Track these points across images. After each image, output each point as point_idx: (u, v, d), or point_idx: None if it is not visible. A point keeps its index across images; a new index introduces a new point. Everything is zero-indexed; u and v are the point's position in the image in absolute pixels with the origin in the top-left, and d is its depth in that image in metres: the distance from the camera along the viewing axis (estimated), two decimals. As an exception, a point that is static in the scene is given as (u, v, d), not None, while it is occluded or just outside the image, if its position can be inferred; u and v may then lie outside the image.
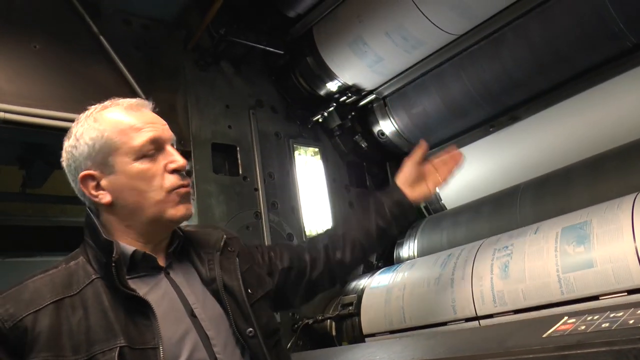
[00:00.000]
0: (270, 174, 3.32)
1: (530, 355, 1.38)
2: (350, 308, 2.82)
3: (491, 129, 3.12)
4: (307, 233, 3.33)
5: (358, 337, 2.74)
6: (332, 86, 3.41)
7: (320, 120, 3.54)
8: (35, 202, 4.67)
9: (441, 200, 3.38)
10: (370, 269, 3.21)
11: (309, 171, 3.53)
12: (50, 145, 3.30)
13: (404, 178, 2.05)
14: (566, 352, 1.30)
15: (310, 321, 2.99)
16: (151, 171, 1.50)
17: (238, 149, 3.25)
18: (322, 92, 3.48)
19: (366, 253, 2.02)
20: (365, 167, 3.81)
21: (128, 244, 1.51)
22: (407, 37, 2.94)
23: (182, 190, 1.52)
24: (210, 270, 1.58)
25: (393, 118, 3.45)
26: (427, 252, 2.95)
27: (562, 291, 1.90)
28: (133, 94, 2.87)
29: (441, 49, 3.05)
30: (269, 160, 3.36)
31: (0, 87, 2.54)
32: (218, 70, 3.34)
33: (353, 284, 3.03)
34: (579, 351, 1.27)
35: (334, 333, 2.92)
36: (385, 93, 3.45)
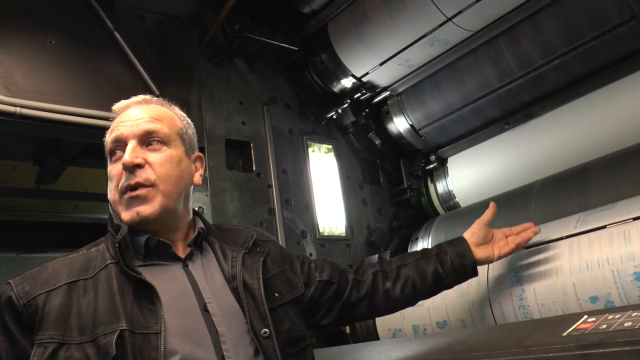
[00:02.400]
0: (283, 171, 3.32)
1: (551, 354, 1.36)
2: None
3: (506, 126, 3.09)
4: (321, 230, 3.32)
5: (373, 335, 2.72)
6: (347, 83, 3.39)
7: (334, 117, 3.53)
8: (48, 198, 4.69)
9: (455, 198, 3.35)
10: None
11: (323, 168, 3.52)
12: (64, 141, 3.31)
13: (471, 235, 1.97)
14: (588, 351, 1.27)
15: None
16: (112, 172, 1.53)
17: (252, 145, 3.24)
18: (336, 89, 3.46)
19: (417, 294, 1.89)
20: (379, 165, 3.79)
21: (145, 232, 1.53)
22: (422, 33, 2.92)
23: (127, 195, 1.49)
24: (232, 268, 1.56)
25: (407, 115, 3.43)
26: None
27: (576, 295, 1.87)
28: (147, 90, 2.87)
29: (456, 45, 3.02)
30: (283, 157, 3.35)
31: (16, 83, 2.55)
32: (232, 67, 3.33)
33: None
34: (601, 350, 1.25)
35: (347, 330, 2.90)
36: (400, 90, 3.43)
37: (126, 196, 1.48)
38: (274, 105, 3.44)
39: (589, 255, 1.91)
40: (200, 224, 1.64)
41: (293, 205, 3.27)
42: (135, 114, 1.56)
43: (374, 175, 3.78)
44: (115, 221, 1.52)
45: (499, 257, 1.96)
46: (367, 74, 3.29)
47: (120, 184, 1.49)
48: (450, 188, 3.39)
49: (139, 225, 1.50)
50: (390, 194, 3.76)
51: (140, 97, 1.66)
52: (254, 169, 3.20)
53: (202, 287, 1.49)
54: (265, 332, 1.47)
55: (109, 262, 1.46)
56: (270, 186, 3.21)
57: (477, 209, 3.04)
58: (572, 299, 1.90)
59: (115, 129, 1.55)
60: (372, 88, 3.42)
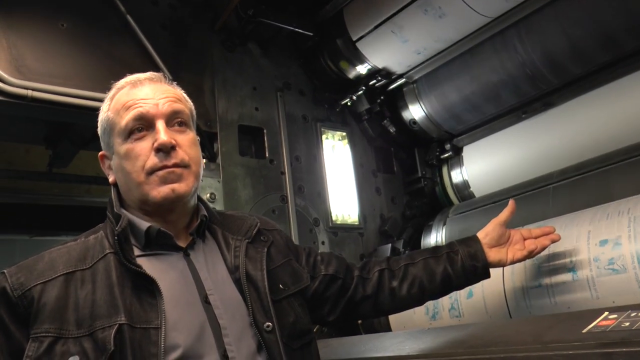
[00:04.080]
0: (297, 158, 3.29)
1: (570, 352, 1.31)
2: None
3: (523, 115, 3.02)
4: (333, 218, 3.29)
5: (385, 326, 2.68)
6: (362, 69, 3.35)
7: (348, 104, 3.49)
8: (61, 182, 4.69)
9: (470, 187, 3.31)
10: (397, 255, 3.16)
11: (336, 155, 3.48)
12: (77, 125, 3.30)
13: (486, 236, 1.86)
14: (610, 350, 1.23)
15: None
16: (135, 151, 1.44)
17: (265, 131, 3.21)
18: (351, 75, 3.42)
19: (424, 295, 1.81)
20: (393, 152, 3.75)
21: (144, 221, 1.47)
22: (440, 18, 2.86)
23: (162, 172, 1.42)
24: (235, 258, 1.51)
25: (423, 103, 3.38)
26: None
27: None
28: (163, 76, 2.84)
29: (474, 32, 2.96)
30: (296, 143, 3.32)
31: (28, 66, 2.54)
32: (245, 52, 3.30)
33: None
34: (624, 349, 1.20)
35: (359, 321, 2.87)
36: (416, 77, 3.37)
37: (161, 172, 1.41)
38: (287, 92, 3.40)
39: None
40: (204, 211, 1.57)
41: (306, 193, 3.24)
42: (155, 93, 1.49)
43: (387, 164, 3.74)
44: (115, 209, 1.46)
45: (512, 262, 1.85)
46: (382, 60, 3.22)
47: (149, 164, 1.42)
48: (465, 177, 3.34)
49: (162, 206, 1.44)
50: (404, 182, 3.71)
51: (150, 73, 1.57)
52: (266, 155, 3.17)
53: (203, 277, 1.45)
54: (268, 326, 1.42)
55: (107, 251, 1.41)
56: (283, 173, 3.18)
57: (492, 199, 3.00)
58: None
59: (134, 106, 1.45)
60: (388, 75, 3.36)
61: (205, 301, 1.40)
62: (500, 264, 1.85)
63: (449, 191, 3.47)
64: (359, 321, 2.86)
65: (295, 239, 3.04)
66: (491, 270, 1.85)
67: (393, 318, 2.65)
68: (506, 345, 1.51)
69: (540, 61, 2.79)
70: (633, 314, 1.41)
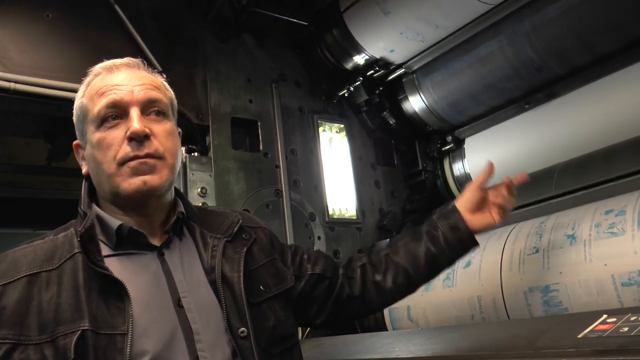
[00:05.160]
0: (292, 151, 3.22)
1: (563, 358, 1.23)
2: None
3: (526, 106, 2.94)
4: (330, 213, 3.21)
5: (380, 323, 2.61)
6: (359, 59, 3.27)
7: (346, 95, 3.42)
8: (60, 176, 4.65)
9: (472, 180, 3.21)
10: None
11: (334, 148, 3.41)
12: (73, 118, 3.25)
13: (464, 202, 1.72)
14: (606, 358, 1.14)
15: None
16: (107, 140, 1.35)
17: (259, 124, 3.15)
18: (349, 66, 3.34)
19: (411, 282, 1.69)
20: (393, 145, 3.66)
21: (115, 218, 1.38)
22: (439, 6, 2.76)
23: (133, 163, 1.33)
24: (212, 258, 1.41)
25: (423, 93, 3.30)
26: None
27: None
28: (150, 67, 2.77)
29: (475, 19, 2.86)
30: (292, 136, 3.25)
31: (11, 58, 2.49)
32: (239, 43, 3.23)
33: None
34: (620, 357, 1.12)
35: (351, 320, 2.80)
36: (415, 67, 3.29)
37: (132, 163, 1.33)
38: (283, 83, 3.33)
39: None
40: (181, 207, 1.48)
41: (301, 187, 3.17)
42: (131, 79, 1.41)
43: (387, 156, 3.66)
44: (82, 207, 1.38)
45: (501, 219, 1.72)
46: (380, 50, 3.14)
47: (120, 154, 1.34)
48: (467, 170, 3.26)
49: (134, 200, 1.37)
50: (404, 175, 3.64)
51: (127, 59, 1.48)
52: (261, 148, 3.11)
53: (177, 279, 1.36)
54: (242, 332, 1.33)
55: (76, 251, 1.32)
56: (277, 167, 3.12)
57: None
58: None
59: (107, 93, 1.37)
60: (386, 65, 3.28)
61: (178, 304, 1.32)
62: (489, 227, 1.72)
63: (451, 184, 3.39)
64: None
65: (290, 234, 2.98)
66: (494, 239, 1.75)
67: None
68: (498, 350, 1.43)
69: (544, 50, 2.71)
70: (633, 318, 1.32)
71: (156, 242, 1.41)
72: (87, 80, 1.47)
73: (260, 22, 3.19)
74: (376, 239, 3.33)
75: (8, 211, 4.96)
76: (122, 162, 1.34)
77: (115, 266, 1.31)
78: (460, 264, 2.29)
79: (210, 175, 2.84)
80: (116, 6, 2.74)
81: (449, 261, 1.71)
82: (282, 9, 3.16)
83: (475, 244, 1.71)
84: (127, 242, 1.37)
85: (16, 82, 2.41)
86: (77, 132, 1.47)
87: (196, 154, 2.89)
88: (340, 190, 3.33)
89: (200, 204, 2.74)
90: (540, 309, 1.95)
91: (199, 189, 2.77)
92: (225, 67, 3.12)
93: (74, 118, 1.48)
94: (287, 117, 3.25)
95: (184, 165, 2.81)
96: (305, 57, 3.44)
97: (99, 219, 1.38)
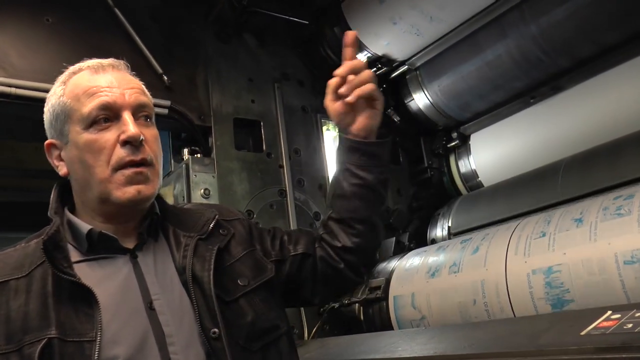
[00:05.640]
0: (296, 150, 3.20)
1: (565, 357, 1.21)
2: (378, 292, 2.67)
3: (532, 100, 2.91)
4: (334, 209, 3.19)
5: (386, 323, 2.59)
6: (361, 57, 3.23)
7: (349, 93, 3.36)
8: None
9: (478, 177, 3.19)
10: (401, 250, 3.06)
11: (338, 147, 3.37)
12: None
13: (333, 116, 1.59)
14: (607, 356, 1.12)
15: (337, 305, 2.86)
16: (99, 143, 1.31)
17: (262, 124, 3.13)
18: (351, 64, 3.29)
19: (365, 221, 1.56)
20: (398, 143, 3.63)
21: (87, 222, 1.35)
22: (440, 2, 2.74)
23: (129, 171, 1.31)
24: (183, 258, 1.37)
25: (427, 90, 3.27)
26: (463, 232, 2.78)
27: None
28: (150, 68, 2.79)
29: (478, 13, 2.83)
30: (295, 135, 3.23)
31: (12, 63, 2.50)
32: (240, 43, 3.22)
33: (382, 266, 2.88)
34: (623, 355, 1.09)
35: (361, 317, 2.78)
36: (418, 64, 3.26)
37: (127, 172, 1.31)
38: (285, 82, 3.32)
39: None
40: (156, 208, 1.45)
41: (306, 186, 3.16)
42: (121, 82, 1.38)
43: (393, 154, 3.62)
44: (49, 212, 1.35)
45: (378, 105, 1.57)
46: (382, 47, 3.11)
47: (114, 159, 1.31)
48: (473, 166, 3.23)
49: (123, 208, 1.34)
50: (410, 173, 3.60)
51: (112, 60, 1.45)
52: (264, 148, 3.10)
53: (149, 281, 1.32)
54: (214, 332, 1.28)
55: (45, 258, 1.28)
56: (281, 166, 3.10)
57: (497, 190, 2.89)
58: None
59: (99, 94, 1.33)
60: (389, 62, 3.25)
61: (150, 307, 1.28)
62: (372, 119, 1.57)
63: (457, 181, 3.36)
64: (362, 318, 2.77)
65: (295, 234, 2.95)
66: (504, 228, 1.68)
67: (394, 281, 2.63)
68: (499, 349, 1.41)
69: (548, 43, 2.67)
70: (638, 314, 1.29)
71: (130, 244, 1.38)
72: (63, 77, 1.43)
73: (261, 21, 3.19)
74: (382, 237, 3.29)
75: (16, 215, 4.98)
76: (117, 168, 1.31)
77: (85, 272, 1.28)
78: (468, 250, 2.33)
79: (213, 177, 2.84)
80: (115, 9, 2.75)
81: (373, 178, 1.55)
82: (282, 8, 3.16)
83: (377, 146, 1.56)
84: (99, 247, 1.35)
85: (17, 86, 2.43)
86: (51, 131, 1.42)
87: (199, 155, 2.89)
88: (345, 189, 3.29)
89: (203, 206, 2.74)
90: (542, 291, 1.94)
91: (202, 190, 2.77)
92: (226, 67, 3.11)
93: (49, 116, 1.41)
94: (290, 116, 3.24)
95: (187, 166, 2.81)
96: (307, 56, 3.42)
97: (70, 224, 1.36)
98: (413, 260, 2.67)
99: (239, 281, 1.41)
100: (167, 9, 2.98)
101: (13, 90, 2.41)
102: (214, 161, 2.87)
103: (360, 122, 1.56)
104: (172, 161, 3.04)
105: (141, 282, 1.32)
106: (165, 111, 2.76)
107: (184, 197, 2.77)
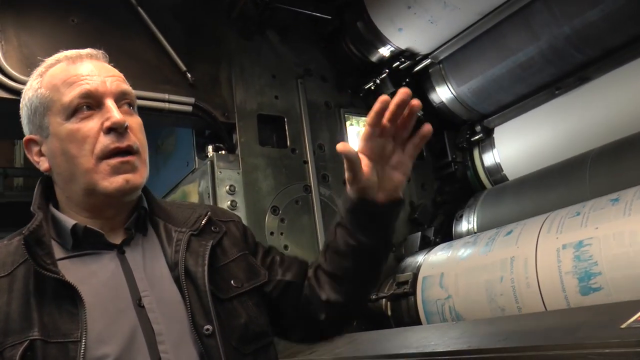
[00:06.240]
0: (320, 146, 3.20)
1: (605, 350, 1.18)
2: (406, 287, 2.66)
3: (557, 92, 2.86)
4: (360, 207, 3.18)
5: (414, 318, 2.58)
6: (385, 51, 3.23)
7: (372, 88, 3.37)
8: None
9: (503, 170, 3.16)
10: (427, 245, 3.05)
11: (362, 142, 3.35)
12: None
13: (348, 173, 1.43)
14: (651, 349, 1.10)
15: (364, 300, 2.84)
16: (82, 132, 1.28)
17: (286, 120, 3.14)
18: (374, 58, 3.30)
19: (356, 281, 1.47)
20: (421, 137, 3.60)
21: (72, 217, 1.32)
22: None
23: (114, 160, 1.27)
24: (175, 253, 1.33)
25: (450, 83, 3.24)
26: (488, 227, 2.75)
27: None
28: (173, 66, 2.80)
29: (501, 5, 2.80)
30: (319, 131, 3.23)
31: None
32: (263, 39, 3.22)
33: (409, 261, 2.87)
34: (667, 348, 1.07)
35: (389, 313, 2.77)
36: (441, 57, 3.23)
37: (113, 161, 1.27)
38: (309, 78, 3.31)
39: None
40: (144, 202, 1.41)
41: (330, 182, 3.15)
42: (100, 70, 1.35)
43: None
44: (32, 207, 1.30)
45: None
46: (406, 41, 3.09)
47: (99, 147, 1.27)
48: (498, 160, 3.19)
49: (111, 198, 1.30)
50: (434, 167, 3.58)
51: (90, 49, 1.43)
52: (288, 144, 3.10)
53: (138, 277, 1.29)
54: (207, 329, 1.24)
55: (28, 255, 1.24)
56: (306, 162, 3.10)
57: (523, 183, 2.85)
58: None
59: (79, 82, 1.30)
60: (412, 56, 3.23)
61: (139, 305, 1.25)
62: (395, 187, 1.40)
63: (481, 175, 3.32)
64: (389, 313, 2.76)
65: (320, 229, 2.96)
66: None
67: (424, 265, 2.64)
68: (535, 342, 1.39)
69: (574, 32, 2.62)
70: (678, 307, 1.27)
71: (117, 240, 1.35)
72: (38, 71, 1.41)
73: (283, 18, 3.18)
74: (407, 232, 3.29)
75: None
76: (102, 157, 1.28)
77: (69, 269, 1.24)
78: (502, 232, 2.33)
79: (238, 173, 2.84)
80: (139, 8, 2.76)
81: (373, 243, 1.42)
82: (305, 4, 3.16)
83: (377, 207, 1.40)
84: (85, 243, 1.31)
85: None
86: (29, 127, 1.38)
87: (223, 152, 2.90)
88: (369, 184, 3.28)
89: (229, 202, 2.75)
90: (570, 264, 1.94)
91: (227, 187, 2.77)
92: (250, 64, 3.12)
93: (26, 111, 1.38)
94: (313, 112, 3.24)
95: (212, 163, 2.82)
96: (330, 52, 3.41)
97: (54, 220, 1.33)
98: (444, 247, 2.68)
99: (232, 282, 1.37)
100: (189, 7, 2.99)
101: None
102: (238, 158, 2.88)
103: (392, 179, 1.40)
104: (196, 158, 3.05)
105: (129, 278, 1.29)
106: (190, 108, 2.78)
107: (209, 194, 2.78)
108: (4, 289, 1.21)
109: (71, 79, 1.32)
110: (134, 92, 1.44)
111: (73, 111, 1.30)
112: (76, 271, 1.24)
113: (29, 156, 1.39)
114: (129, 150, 1.30)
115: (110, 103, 1.30)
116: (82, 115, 1.30)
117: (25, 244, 1.21)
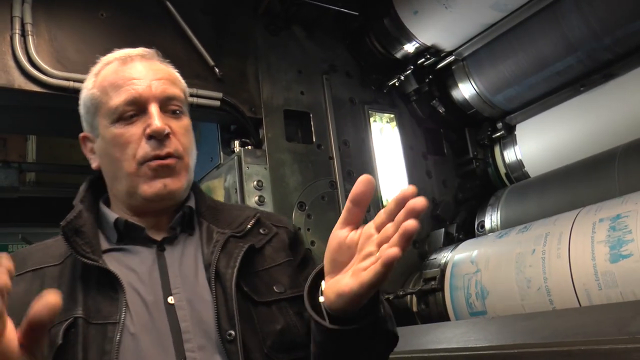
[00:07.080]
0: (345, 142, 3.19)
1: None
2: (433, 283, 2.66)
3: (582, 89, 2.86)
4: (384, 203, 3.18)
5: (443, 314, 2.58)
6: (409, 48, 3.23)
7: (396, 84, 3.37)
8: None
9: (524, 167, 3.16)
10: (451, 242, 3.05)
11: (385, 138, 3.38)
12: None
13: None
14: None
15: (391, 296, 2.85)
16: (125, 137, 1.32)
17: (311, 115, 3.13)
18: (399, 55, 3.30)
19: None
20: (442, 134, 3.61)
21: (118, 214, 1.37)
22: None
23: (154, 163, 1.31)
24: (210, 254, 1.32)
25: (473, 80, 3.24)
26: (512, 224, 2.75)
27: None
28: (201, 61, 2.81)
29: (526, 3, 2.80)
30: (344, 127, 3.23)
31: (69, 57, 2.53)
32: (290, 35, 3.22)
33: (435, 257, 2.87)
34: None
35: (415, 309, 2.78)
36: (465, 54, 3.23)
37: (153, 164, 1.31)
38: (334, 74, 3.30)
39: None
40: (191, 202, 1.44)
41: (355, 178, 3.12)
42: (148, 72, 1.37)
43: (437, 145, 3.61)
44: (75, 200, 1.36)
45: (362, 287, 1.03)
46: (431, 37, 3.09)
47: (140, 153, 1.31)
48: (519, 157, 3.19)
49: (151, 202, 1.34)
50: (455, 164, 3.58)
51: (142, 49, 1.46)
52: (314, 140, 3.09)
53: (172, 275, 1.31)
54: (230, 335, 1.21)
55: None
56: (331, 158, 3.09)
57: (548, 180, 2.85)
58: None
59: (125, 87, 1.33)
60: (437, 53, 3.24)
61: (169, 302, 1.27)
62: (344, 298, 1.05)
63: (502, 172, 3.33)
64: (415, 309, 2.77)
65: (345, 225, 2.94)
66: None
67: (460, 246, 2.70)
68: (585, 337, 1.39)
69: (600, 28, 2.61)
70: None
71: (160, 237, 1.38)
72: (96, 69, 1.44)
73: (310, 13, 3.18)
74: (430, 229, 3.29)
75: (54, 210, 5.04)
76: (142, 162, 1.32)
77: (111, 260, 1.30)
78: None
79: (265, 168, 2.84)
80: (168, 3, 2.77)
81: (326, 347, 1.18)
82: (331, 0, 3.14)
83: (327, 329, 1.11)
84: (127, 237, 1.36)
85: (75, 80, 2.44)
86: (84, 124, 1.44)
87: (250, 147, 2.90)
88: (392, 180, 3.30)
89: (257, 197, 2.75)
90: (604, 234, 1.95)
91: (255, 182, 2.77)
92: (276, 59, 3.11)
93: (82, 109, 1.44)
94: (338, 108, 3.23)
95: (239, 158, 2.82)
96: (355, 48, 3.41)
97: (102, 214, 1.39)
98: (464, 252, 2.69)
99: (274, 288, 1.34)
100: (217, 2, 2.99)
101: (71, 84, 2.43)
102: (265, 153, 2.88)
103: (346, 284, 1.05)
104: (222, 153, 3.05)
105: (163, 275, 1.31)
106: (218, 103, 2.78)
107: (236, 189, 2.77)
108: (55, 276, 1.29)
109: (118, 82, 1.35)
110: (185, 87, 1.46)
111: (118, 117, 1.34)
112: (116, 262, 1.30)
113: (83, 152, 1.45)
114: (169, 157, 1.33)
115: (153, 109, 1.33)
116: (127, 122, 1.34)
117: (63, 233, 1.27)
